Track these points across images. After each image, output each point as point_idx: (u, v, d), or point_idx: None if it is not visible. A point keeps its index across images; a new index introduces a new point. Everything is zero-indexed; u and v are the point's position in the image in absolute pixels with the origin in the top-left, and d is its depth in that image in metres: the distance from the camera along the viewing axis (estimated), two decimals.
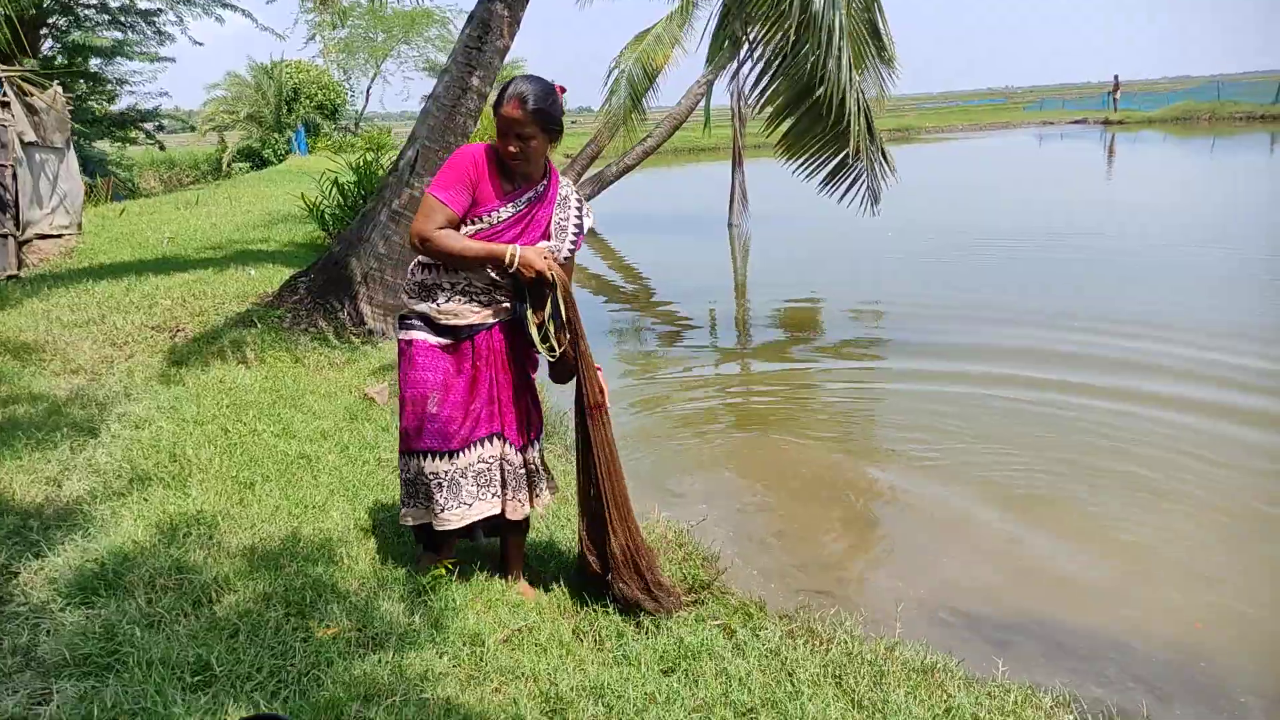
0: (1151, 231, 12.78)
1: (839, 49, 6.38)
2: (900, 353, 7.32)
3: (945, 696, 2.49)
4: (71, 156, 8.65)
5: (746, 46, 13.54)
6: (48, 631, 2.43)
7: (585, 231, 2.86)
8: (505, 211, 2.68)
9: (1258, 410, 5.66)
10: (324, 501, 3.48)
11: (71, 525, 3.14)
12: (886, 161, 6.87)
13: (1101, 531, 4.25)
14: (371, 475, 3.88)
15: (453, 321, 2.70)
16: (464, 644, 2.57)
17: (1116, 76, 45.98)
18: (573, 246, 2.82)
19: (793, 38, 6.65)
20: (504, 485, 2.82)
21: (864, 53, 7.31)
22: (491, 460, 2.79)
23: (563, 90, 2.70)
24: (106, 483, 3.55)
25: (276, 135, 30.00)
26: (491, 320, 2.74)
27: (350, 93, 35.15)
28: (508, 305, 2.75)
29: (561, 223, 2.79)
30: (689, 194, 22.81)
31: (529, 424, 2.87)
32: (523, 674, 2.48)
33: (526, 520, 2.97)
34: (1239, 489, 4.65)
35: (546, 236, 2.76)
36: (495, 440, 2.78)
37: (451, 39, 39.40)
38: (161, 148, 22.48)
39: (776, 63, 6.89)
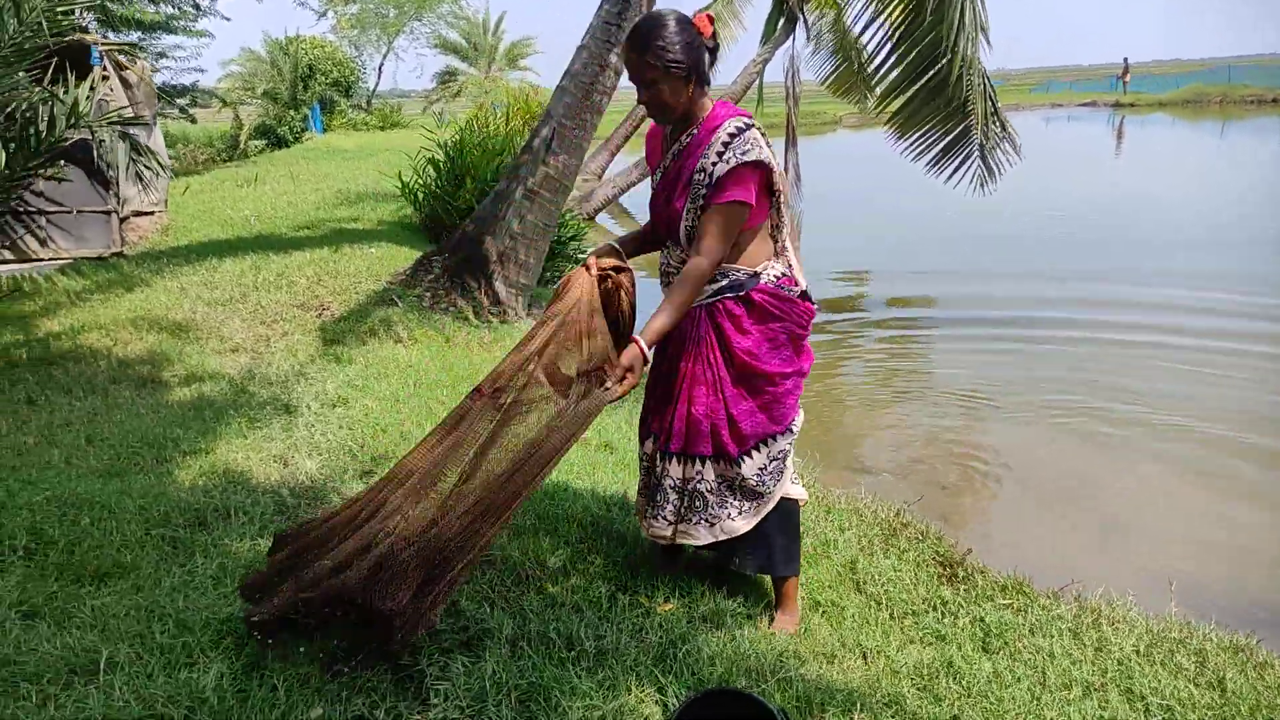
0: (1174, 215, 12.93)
1: (965, 20, 6.35)
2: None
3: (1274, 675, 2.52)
4: (158, 131, 8.57)
5: (802, 23, 13.45)
6: None
7: (721, 176, 2.26)
8: (658, 174, 2.47)
9: None
10: (587, 477, 3.50)
11: (331, 503, 3.15)
12: (1010, 137, 6.85)
13: None
14: (597, 455, 3.90)
15: None
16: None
17: (1126, 59, 45.99)
18: (706, 203, 2.30)
19: (914, 15, 6.61)
20: None
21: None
22: None
23: (709, 20, 2.31)
24: (338, 461, 3.57)
25: (293, 113, 29.65)
26: None
27: (363, 69, 34.79)
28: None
29: (698, 176, 2.32)
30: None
31: None
32: (863, 651, 2.52)
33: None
34: None
35: (685, 194, 2.36)
36: None
37: (464, 16, 39.11)
38: (193, 122, 22.21)
39: (896, 38, 6.85)
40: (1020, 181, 7.80)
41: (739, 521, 2.53)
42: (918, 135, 7.23)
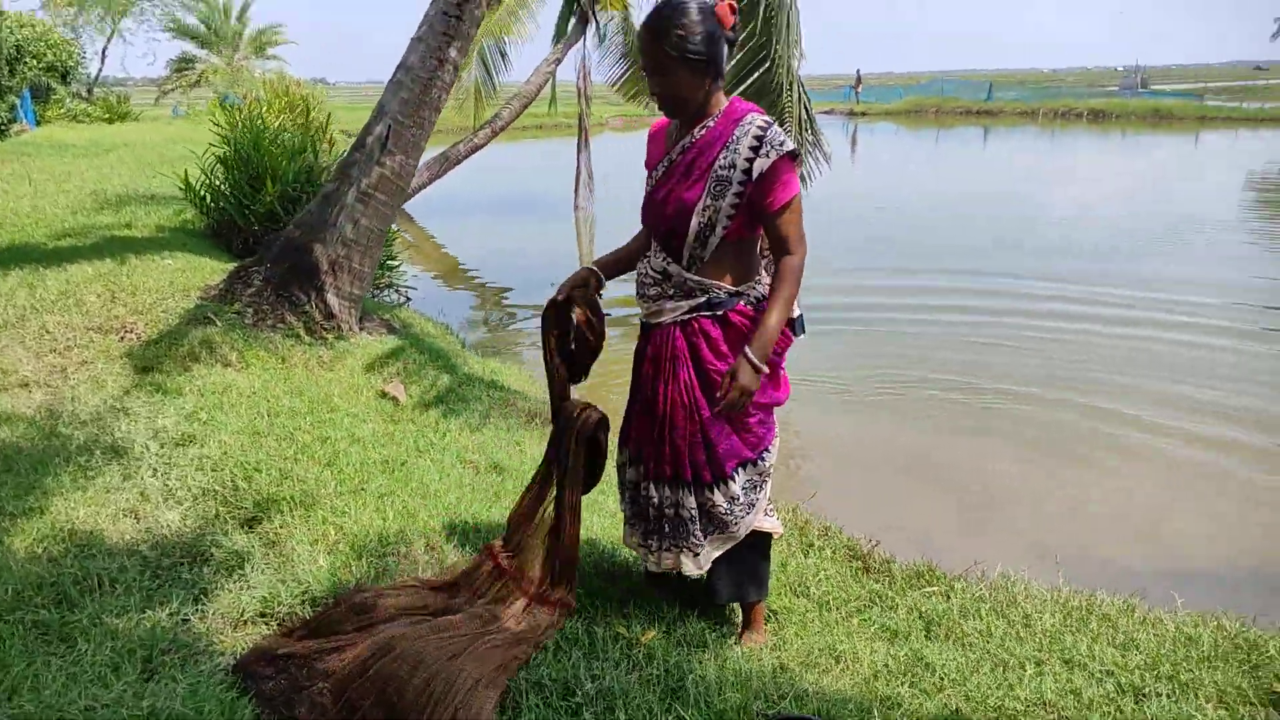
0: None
1: (790, 28, 6.65)
2: None
3: (1182, 635, 2.82)
4: None
5: (594, 24, 13.54)
6: None
7: (764, 174, 2.20)
8: (659, 169, 2.39)
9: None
10: (492, 504, 3.29)
11: (214, 559, 2.76)
12: (820, 144, 7.24)
13: None
14: (489, 478, 3.69)
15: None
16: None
17: (859, 71, 50.44)
18: (737, 198, 2.24)
19: (744, 22, 6.82)
20: None
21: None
22: None
23: (732, 9, 2.23)
24: (207, 509, 3.13)
25: None
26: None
27: (83, 53, 30.85)
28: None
29: (723, 170, 2.24)
30: (531, 172, 22.58)
31: None
32: (836, 654, 2.55)
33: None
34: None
35: (701, 186, 2.27)
36: None
37: None
38: None
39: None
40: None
41: (707, 551, 2.47)
42: None
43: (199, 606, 2.56)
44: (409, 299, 8.53)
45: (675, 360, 2.39)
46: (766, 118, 2.27)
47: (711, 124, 2.29)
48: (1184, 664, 2.55)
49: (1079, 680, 2.47)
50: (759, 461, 2.46)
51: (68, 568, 2.65)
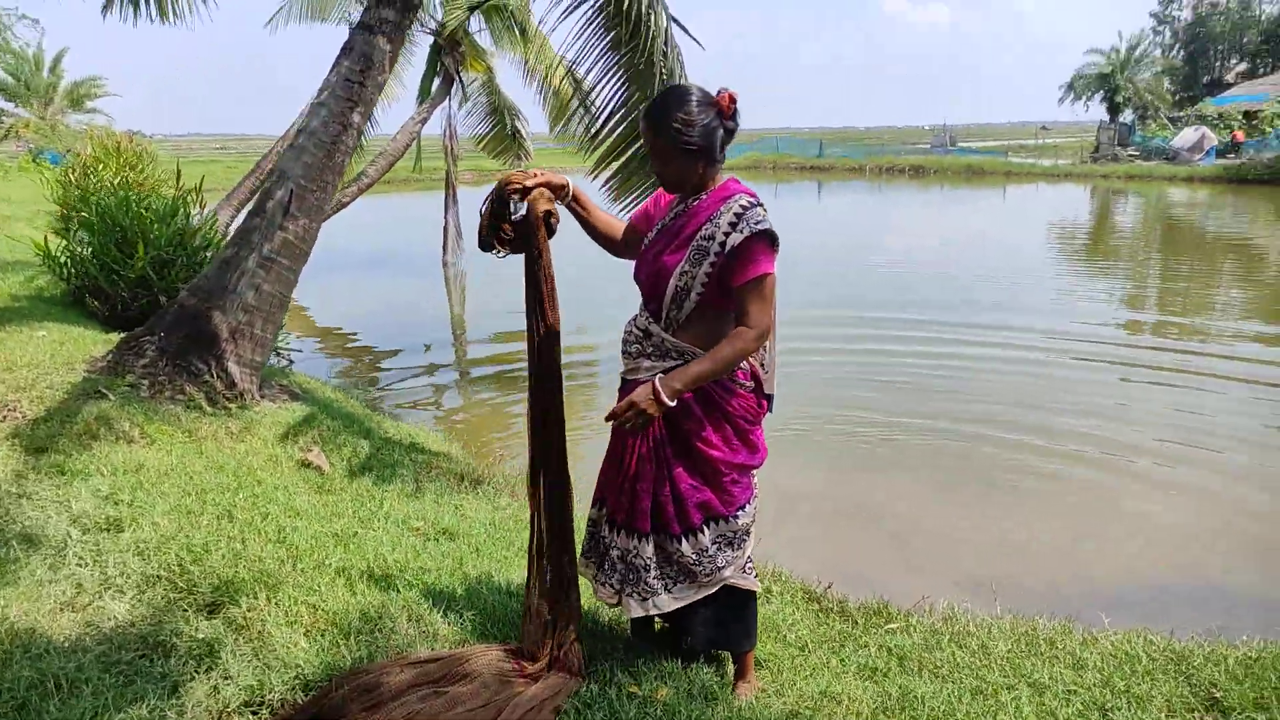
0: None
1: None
2: None
3: (1120, 652, 3.12)
4: None
5: (457, 85, 13.59)
6: None
7: (736, 248, 2.31)
8: (653, 233, 2.55)
9: None
10: (489, 568, 3.24)
11: (179, 650, 2.60)
12: None
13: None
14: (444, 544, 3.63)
15: None
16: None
17: None
18: (711, 267, 2.36)
19: (634, 87, 7.06)
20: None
21: None
22: None
23: (731, 99, 2.36)
24: (158, 595, 2.94)
25: None
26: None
27: None
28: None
29: (703, 241, 2.37)
30: (398, 227, 22.15)
31: None
32: (834, 696, 2.67)
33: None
34: None
35: (683, 253, 2.40)
36: None
37: (9, 50, 33.24)
38: None
39: (611, 110, 7.24)
40: None
41: (665, 598, 2.54)
42: (631, 199, 7.69)
43: (176, 701, 2.40)
44: (292, 362, 8.21)
45: None
46: (752, 199, 2.41)
47: (704, 198, 2.44)
48: (1133, 679, 2.83)
49: (1050, 702, 2.69)
50: (731, 519, 2.54)
51: (20, 671, 2.43)
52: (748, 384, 2.51)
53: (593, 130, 7.32)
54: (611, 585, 2.59)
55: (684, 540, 2.50)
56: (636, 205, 7.74)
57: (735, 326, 2.39)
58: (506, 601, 3.09)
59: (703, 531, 2.51)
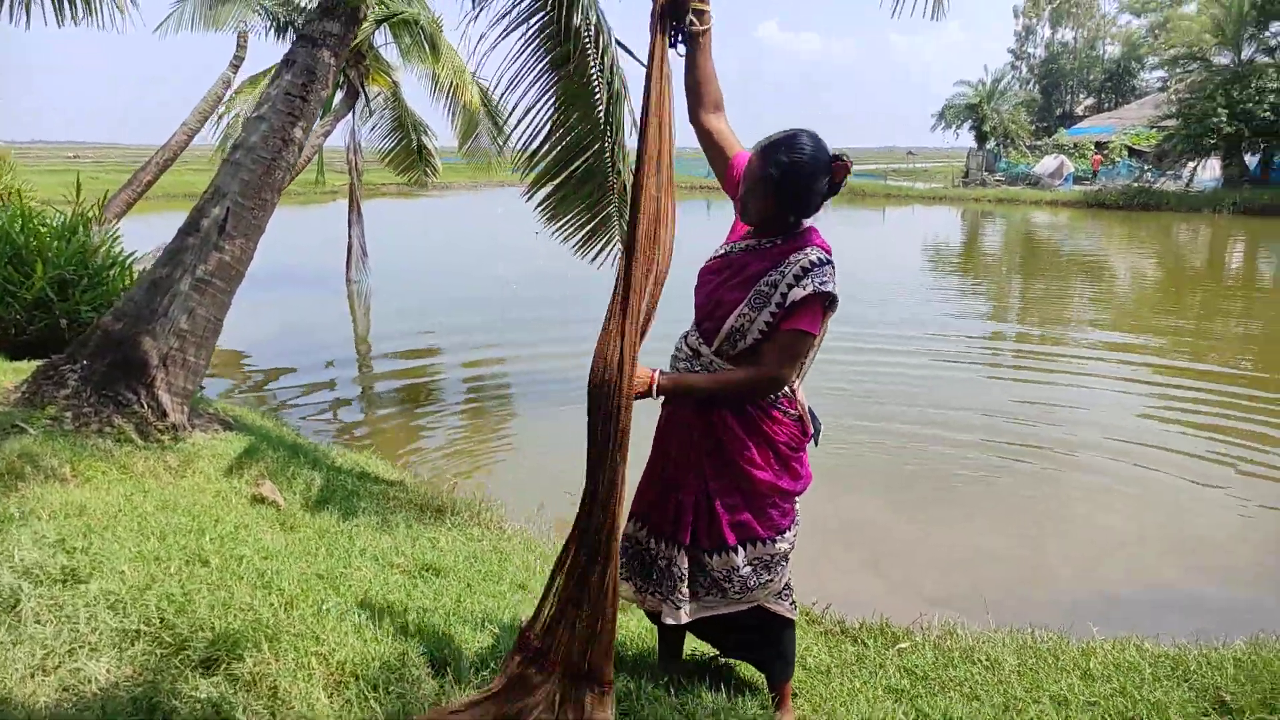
0: None
1: (620, 119, 6.89)
2: None
3: (1123, 661, 3.23)
4: None
5: (361, 99, 13.18)
6: None
7: (796, 301, 2.29)
8: (721, 251, 2.53)
9: None
10: (489, 605, 3.09)
11: (181, 714, 2.38)
12: None
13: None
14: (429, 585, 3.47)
15: None
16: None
17: None
18: (772, 316, 2.33)
19: (568, 108, 6.99)
20: None
21: None
22: None
23: (846, 169, 2.35)
24: (143, 653, 2.67)
25: None
26: None
27: None
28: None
29: (766, 287, 2.35)
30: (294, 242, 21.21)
31: None
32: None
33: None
34: None
35: (744, 293, 2.37)
36: None
37: None
38: None
39: (550, 129, 7.14)
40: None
41: (693, 605, 2.51)
42: (568, 220, 7.58)
43: None
44: (203, 388, 7.72)
45: (692, 428, 2.47)
46: (825, 254, 2.37)
47: (780, 241, 2.41)
48: (1143, 687, 2.94)
49: (1076, 715, 2.77)
50: (769, 543, 2.50)
51: None
52: (792, 412, 2.49)
53: (530, 150, 7.22)
54: (658, 593, 2.54)
55: (714, 556, 2.47)
56: (573, 227, 7.67)
57: (759, 359, 2.37)
58: (510, 638, 2.96)
59: (736, 551, 2.47)
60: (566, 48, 6.91)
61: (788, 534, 2.53)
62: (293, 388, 8.84)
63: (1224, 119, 30.40)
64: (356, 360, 10.94)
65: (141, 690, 2.50)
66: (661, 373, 2.34)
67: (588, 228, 7.70)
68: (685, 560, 2.48)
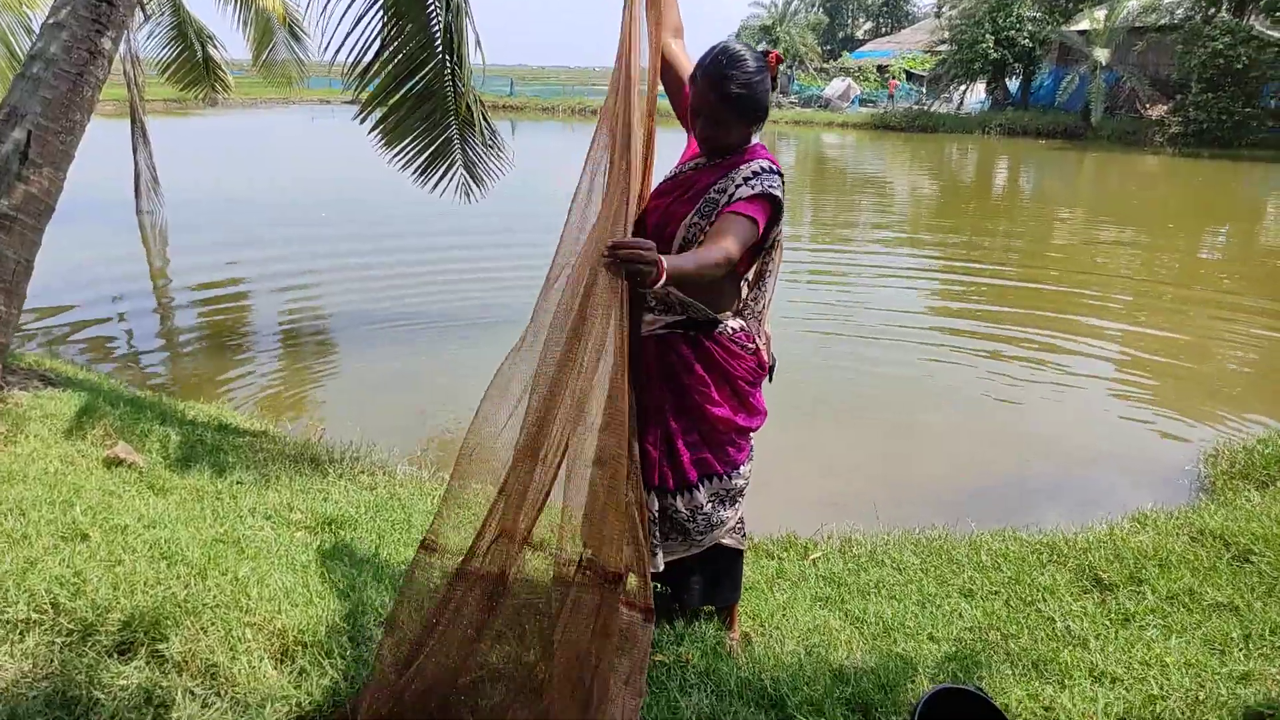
0: None
1: (462, 25, 6.52)
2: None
3: (1008, 551, 3.57)
4: None
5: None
6: None
7: (743, 197, 2.26)
8: (670, 174, 2.48)
9: None
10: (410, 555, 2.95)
11: (104, 705, 2.17)
12: (499, 146, 7.22)
13: None
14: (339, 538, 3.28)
15: None
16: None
17: None
18: (705, 216, 2.31)
19: (398, 21, 6.53)
20: None
21: None
22: None
23: (778, 59, 2.37)
24: (34, 644, 2.38)
25: None
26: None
27: None
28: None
29: (715, 194, 2.32)
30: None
31: None
32: (826, 630, 2.82)
33: None
34: None
35: (693, 205, 2.34)
36: None
37: None
38: None
39: (381, 44, 6.63)
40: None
41: (665, 555, 2.56)
42: (408, 144, 7.13)
43: None
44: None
45: (649, 372, 2.44)
46: (771, 164, 2.37)
47: (731, 158, 2.38)
48: (1032, 573, 3.27)
49: (983, 603, 3.06)
50: (727, 477, 2.55)
51: None
52: (750, 345, 2.50)
53: (360, 66, 6.71)
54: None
55: (678, 496, 2.49)
56: (413, 151, 7.26)
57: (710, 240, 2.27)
58: None
59: (699, 488, 2.50)
60: None
61: (743, 468, 2.57)
62: (93, 338, 7.90)
63: (990, 45, 32.92)
64: (157, 301, 9.92)
65: (50, 684, 2.25)
66: (666, 257, 2.07)
67: (428, 152, 7.34)
68: (656, 503, 2.47)
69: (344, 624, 2.52)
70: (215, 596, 2.60)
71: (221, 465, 3.98)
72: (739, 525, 2.66)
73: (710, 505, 2.52)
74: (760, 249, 2.43)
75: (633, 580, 1.99)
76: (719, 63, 2.27)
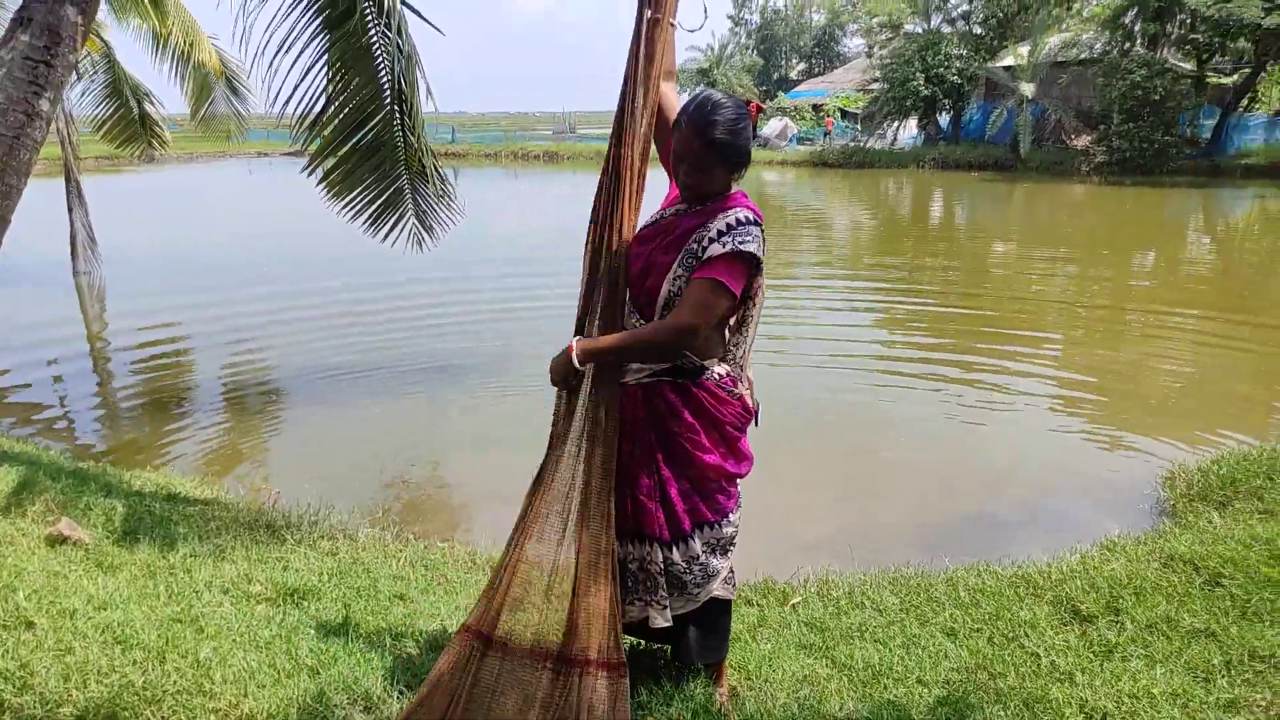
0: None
1: (410, 77, 6.47)
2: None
3: (985, 586, 3.56)
4: None
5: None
6: None
7: (713, 257, 2.26)
8: (650, 221, 2.48)
9: None
10: (379, 623, 2.83)
11: None
12: (449, 195, 7.15)
13: None
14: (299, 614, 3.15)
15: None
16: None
17: None
18: (688, 269, 2.30)
19: (346, 73, 6.48)
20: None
21: None
22: None
23: (758, 109, 2.41)
24: None
25: None
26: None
27: None
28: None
29: (693, 244, 2.31)
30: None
31: None
32: (814, 679, 2.76)
33: None
34: None
35: (675, 255, 2.33)
36: None
37: None
38: None
39: (329, 96, 6.55)
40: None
41: (655, 613, 2.50)
42: (357, 195, 7.03)
43: None
44: None
45: (637, 421, 2.41)
46: (751, 213, 2.34)
47: (711, 204, 2.36)
48: (1012, 607, 3.26)
49: (967, 641, 3.03)
50: (718, 526, 2.50)
51: None
52: (735, 391, 2.47)
53: (308, 119, 6.63)
54: (639, 599, 2.47)
55: (674, 548, 2.44)
56: (363, 202, 7.16)
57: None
58: (430, 655, 2.76)
59: (693, 538, 2.45)
60: (343, 6, 6.44)
61: (732, 515, 2.52)
62: (27, 404, 7.58)
63: (921, 82, 33.93)
64: (94, 363, 9.58)
65: None
66: (577, 339, 2.33)
67: (378, 202, 7.24)
68: (659, 554, 2.41)
69: (315, 704, 2.40)
70: (175, 682, 2.47)
71: (172, 537, 3.81)
72: (729, 574, 2.60)
73: (705, 555, 2.47)
74: (742, 303, 2.42)
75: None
76: (703, 110, 2.28)
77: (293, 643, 2.80)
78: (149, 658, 2.57)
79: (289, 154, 47.74)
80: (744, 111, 2.32)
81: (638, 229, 2.46)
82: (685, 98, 2.41)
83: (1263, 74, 29.12)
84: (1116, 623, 3.09)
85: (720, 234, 2.29)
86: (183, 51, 11.37)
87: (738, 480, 2.54)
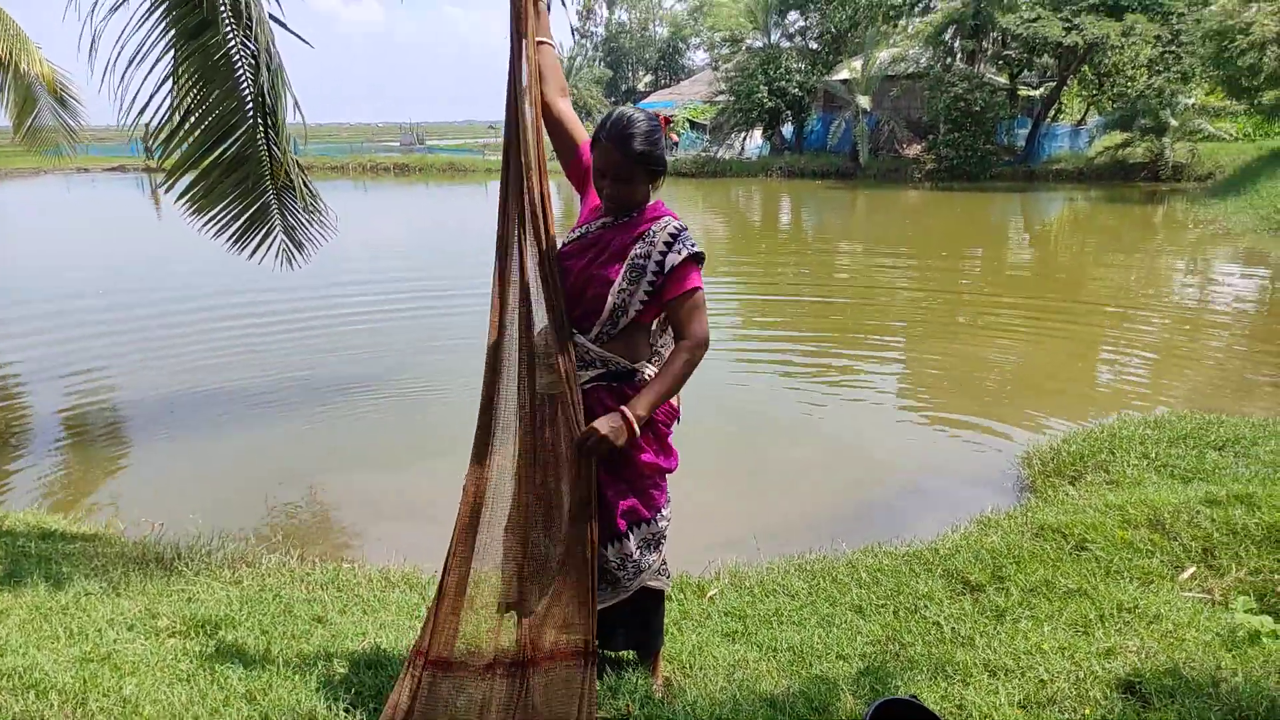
0: None
1: (277, 89, 6.26)
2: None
3: (884, 567, 3.82)
4: None
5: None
6: None
7: (674, 268, 2.40)
8: (574, 236, 2.55)
9: None
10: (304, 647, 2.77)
11: None
12: (321, 211, 6.92)
13: None
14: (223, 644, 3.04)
15: None
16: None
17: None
18: (650, 286, 2.42)
19: (203, 86, 6.21)
20: None
21: None
22: None
23: (666, 123, 2.52)
24: None
25: None
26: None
27: None
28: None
29: (639, 260, 2.43)
30: None
31: None
32: (746, 663, 2.91)
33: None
34: None
35: (618, 268, 2.43)
36: None
37: None
38: None
39: (186, 109, 6.25)
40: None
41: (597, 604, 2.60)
42: (219, 211, 6.71)
43: None
44: None
45: (575, 426, 2.47)
46: (680, 223, 2.50)
47: (635, 215, 2.48)
48: (911, 582, 3.53)
49: (877, 616, 3.27)
50: (652, 522, 2.63)
51: None
52: None
53: (166, 133, 6.31)
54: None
55: (608, 547, 2.54)
56: (227, 217, 6.86)
57: (676, 338, 2.47)
58: (366, 673, 2.74)
59: (628, 537, 2.56)
60: (201, 16, 6.19)
61: (664, 510, 2.64)
62: None
63: (765, 95, 35.31)
64: None
65: None
66: (627, 410, 2.35)
67: (243, 218, 6.96)
68: None
69: None
70: None
71: (58, 577, 3.57)
72: (662, 566, 2.71)
73: (639, 552, 2.58)
74: None
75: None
76: (620, 124, 2.39)
77: (218, 673, 2.71)
78: (68, 700, 2.44)
79: (112, 169, 44.68)
80: (657, 124, 2.46)
81: (561, 245, 2.53)
82: None
83: (1065, 87, 31.96)
84: (1003, 589, 3.41)
85: (669, 244, 2.43)
86: (1, 61, 10.54)
87: (667, 475, 2.66)
